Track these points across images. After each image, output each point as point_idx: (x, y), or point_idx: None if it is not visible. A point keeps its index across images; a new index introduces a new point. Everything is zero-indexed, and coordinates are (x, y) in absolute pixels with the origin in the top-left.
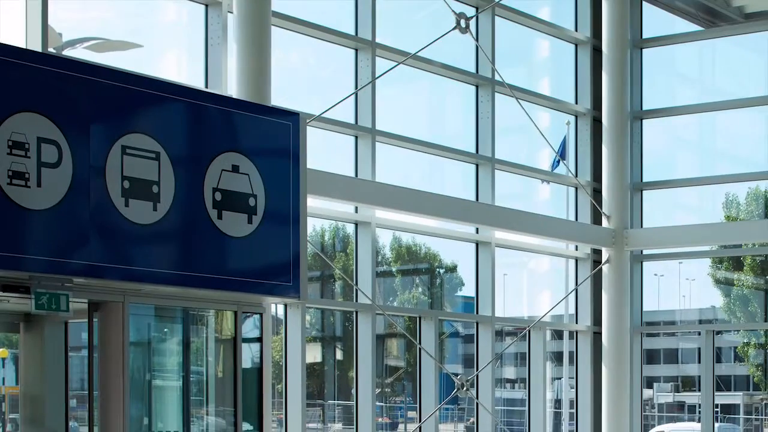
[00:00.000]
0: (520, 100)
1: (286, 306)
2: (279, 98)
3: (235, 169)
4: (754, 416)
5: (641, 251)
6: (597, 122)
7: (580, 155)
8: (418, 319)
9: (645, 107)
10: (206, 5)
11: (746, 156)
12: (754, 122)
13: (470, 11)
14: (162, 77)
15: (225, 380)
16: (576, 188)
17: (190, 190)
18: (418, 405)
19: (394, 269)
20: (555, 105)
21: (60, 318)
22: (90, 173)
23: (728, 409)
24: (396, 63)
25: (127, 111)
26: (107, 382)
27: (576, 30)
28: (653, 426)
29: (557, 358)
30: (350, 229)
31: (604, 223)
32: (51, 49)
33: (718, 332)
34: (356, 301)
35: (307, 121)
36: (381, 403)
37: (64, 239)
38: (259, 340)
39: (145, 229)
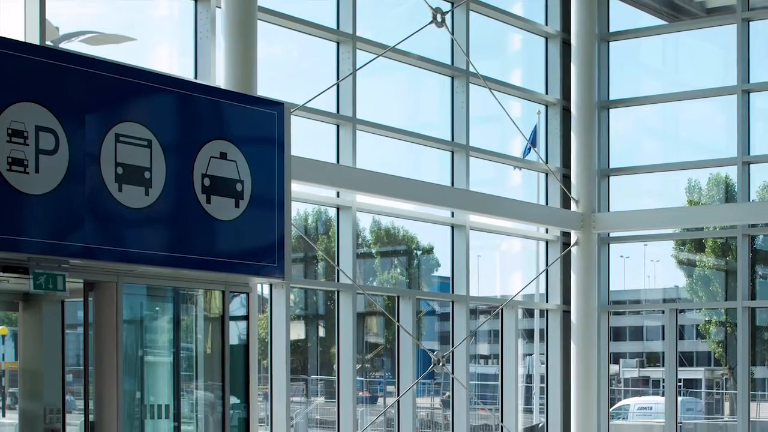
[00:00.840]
0: (493, 91)
1: (271, 286)
2: (265, 89)
3: (223, 156)
4: (715, 390)
5: (608, 234)
6: (566, 111)
7: (550, 143)
8: (396, 298)
9: (611, 97)
10: (195, 1)
11: (708, 144)
12: (715, 112)
13: (446, 6)
14: (154, 69)
15: (213, 356)
16: (546, 174)
17: (181, 176)
18: (396, 380)
19: (373, 251)
20: (526, 95)
21: (57, 297)
22: (85, 160)
23: (691, 384)
24: (375, 55)
25: (121, 101)
26: (102, 358)
27: (546, 24)
28: (619, 400)
29: (528, 335)
30: (332, 212)
31: (573, 207)
32: (48, 42)
33: (681, 311)
34: (338, 281)
35: (292, 110)
36: (361, 378)
37: (61, 222)
38: (246, 318)
39: (138, 213)
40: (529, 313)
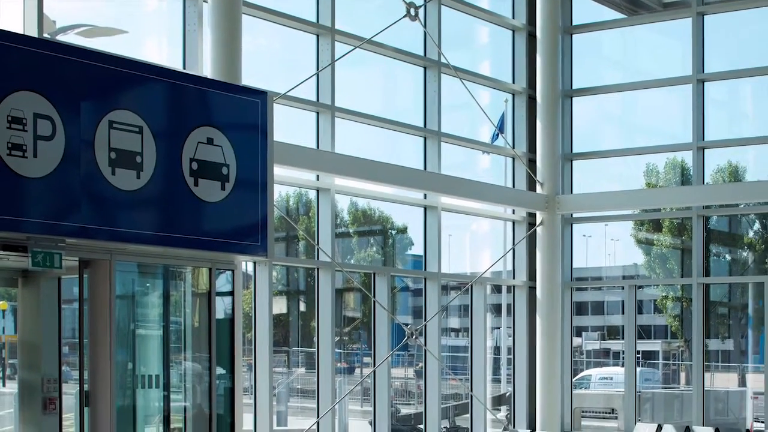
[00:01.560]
0: (463, 80)
1: (255, 263)
2: (248, 78)
3: (210, 141)
4: (671, 362)
5: (571, 214)
6: (532, 100)
7: (517, 129)
8: (372, 275)
9: (574, 86)
10: None
11: (665, 130)
12: (672, 100)
13: (419, 0)
14: (144, 60)
15: (201, 329)
16: (513, 158)
17: (170, 160)
18: (372, 351)
19: (351, 231)
20: (494, 84)
21: (54, 274)
22: (80, 145)
23: (649, 355)
24: (353, 47)
25: (114, 90)
26: (96, 332)
27: (513, 18)
28: (582, 370)
29: (496, 309)
30: (312, 195)
31: (538, 189)
32: (46, 35)
33: (640, 287)
34: (317, 259)
35: (274, 98)
36: (339, 350)
37: (58, 204)
38: (231, 293)
39: (130, 195)
40: (497, 289)
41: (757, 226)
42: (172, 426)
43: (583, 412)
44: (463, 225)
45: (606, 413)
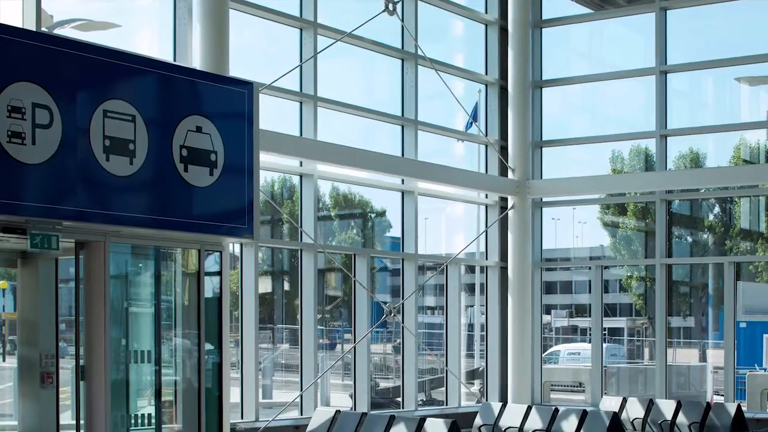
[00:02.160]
0: (438, 72)
1: (241, 245)
2: (236, 70)
3: (199, 129)
4: (636, 338)
5: (541, 199)
6: (503, 90)
7: (489, 118)
8: (353, 256)
9: (544, 77)
10: None
11: (629, 119)
12: (636, 90)
13: None
14: (137, 52)
15: (190, 308)
16: (486, 146)
17: (161, 147)
18: (353, 328)
19: (332, 214)
20: (468, 75)
21: (51, 255)
22: (76, 133)
23: (614, 332)
24: (334, 40)
25: (108, 80)
26: (91, 309)
27: (486, 12)
28: (551, 346)
29: (470, 289)
30: (296, 180)
31: (510, 175)
32: (44, 29)
33: (606, 267)
34: (301, 240)
35: (260, 89)
36: (322, 327)
37: (55, 189)
38: (219, 273)
39: (123, 181)
40: (470, 269)
41: (717, 209)
42: (163, 399)
43: (552, 385)
44: (438, 209)
45: (574, 387)
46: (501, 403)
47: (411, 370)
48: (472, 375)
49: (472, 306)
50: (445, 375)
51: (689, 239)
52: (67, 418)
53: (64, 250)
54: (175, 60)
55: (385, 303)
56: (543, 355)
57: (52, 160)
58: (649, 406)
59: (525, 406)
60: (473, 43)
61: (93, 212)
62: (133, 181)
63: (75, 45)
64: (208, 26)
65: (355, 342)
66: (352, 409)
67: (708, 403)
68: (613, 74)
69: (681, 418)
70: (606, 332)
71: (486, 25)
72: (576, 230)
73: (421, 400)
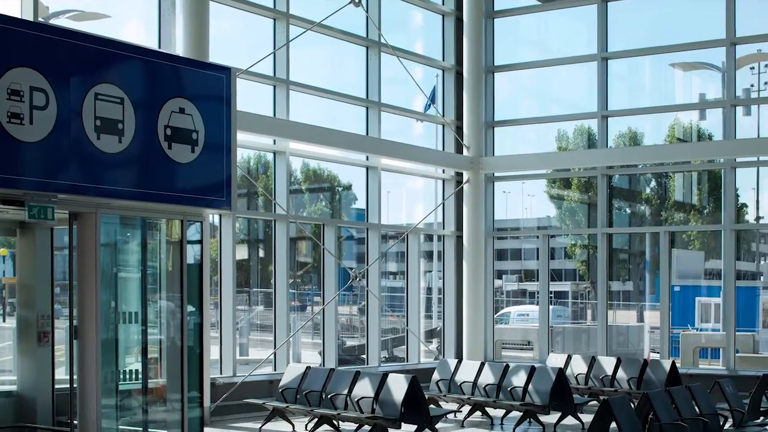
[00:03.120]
0: (400, 58)
1: (220, 216)
2: (215, 56)
3: (182, 110)
4: (579, 300)
5: (493, 174)
6: (459, 75)
7: (446, 100)
8: (322, 226)
9: (496, 63)
10: None
11: (574, 101)
12: (580, 75)
13: None
14: (125, 40)
15: (174, 273)
16: (443, 125)
17: (147, 127)
18: (321, 292)
19: (303, 188)
20: (427, 62)
21: (47, 225)
22: (70, 114)
23: (560, 295)
24: (305, 29)
25: (99, 66)
26: (83, 275)
27: (443, 4)
28: (502, 308)
29: (428, 255)
30: (270, 157)
31: (465, 152)
32: (40, 19)
33: (552, 236)
34: (274, 212)
35: (237, 74)
36: (293, 290)
37: (50, 165)
38: (200, 242)
39: (113, 157)
40: (429, 238)
41: (653, 184)
42: (149, 356)
43: (503, 344)
44: (399, 183)
45: (523, 345)
46: (457, 360)
47: (375, 330)
48: (431, 334)
49: (431, 271)
50: (405, 334)
51: (628, 211)
52: (61, 373)
53: (59, 220)
54: (159, 47)
55: (351, 269)
56: (495, 317)
57: (48, 139)
58: (592, 362)
59: (478, 363)
60: (431, 32)
61: (85, 186)
62: (122, 158)
63: (69, 33)
64: (190, 16)
65: (323, 304)
66: (321, 365)
67: (645, 360)
68: (559, 60)
69: (620, 374)
70: (552, 295)
71: (443, 16)
72: (525, 202)
73: (384, 357)
